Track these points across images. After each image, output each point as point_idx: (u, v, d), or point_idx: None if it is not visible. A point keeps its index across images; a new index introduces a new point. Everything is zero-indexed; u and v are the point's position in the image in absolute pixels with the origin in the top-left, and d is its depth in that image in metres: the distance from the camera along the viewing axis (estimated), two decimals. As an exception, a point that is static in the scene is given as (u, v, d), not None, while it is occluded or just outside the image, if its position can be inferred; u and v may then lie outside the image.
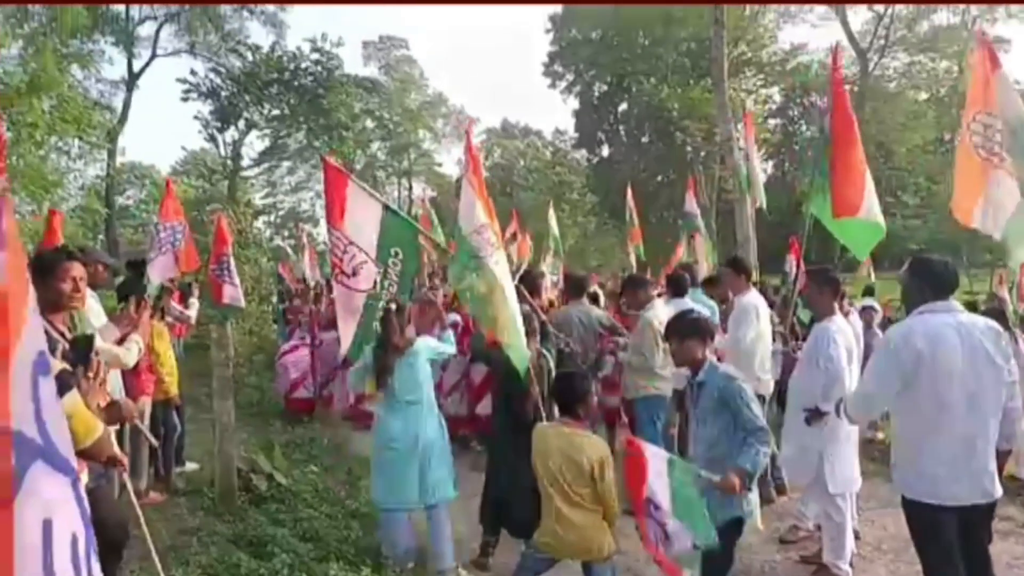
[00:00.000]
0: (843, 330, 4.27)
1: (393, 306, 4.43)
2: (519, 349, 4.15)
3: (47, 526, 0.74)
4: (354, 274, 4.11)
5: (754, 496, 3.48)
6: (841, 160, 4.58)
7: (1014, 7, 28.57)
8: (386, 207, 4.27)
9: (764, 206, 10.48)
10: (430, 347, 4.55)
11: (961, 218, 4.15)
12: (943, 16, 32.73)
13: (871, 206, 4.61)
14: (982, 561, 3.21)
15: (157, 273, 6.46)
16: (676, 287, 6.21)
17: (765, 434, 3.31)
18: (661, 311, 5.62)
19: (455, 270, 4.36)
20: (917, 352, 3.12)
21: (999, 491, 3.18)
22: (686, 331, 3.52)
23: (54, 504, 0.75)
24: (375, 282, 4.15)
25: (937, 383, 3.10)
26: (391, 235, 4.19)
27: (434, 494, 4.33)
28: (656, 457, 3.22)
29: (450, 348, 4.79)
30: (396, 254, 4.19)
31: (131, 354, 4.30)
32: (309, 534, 4.72)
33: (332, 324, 6.38)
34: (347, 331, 4.20)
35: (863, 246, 4.94)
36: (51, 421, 0.77)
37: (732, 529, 3.35)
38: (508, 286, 4.19)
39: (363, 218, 4.14)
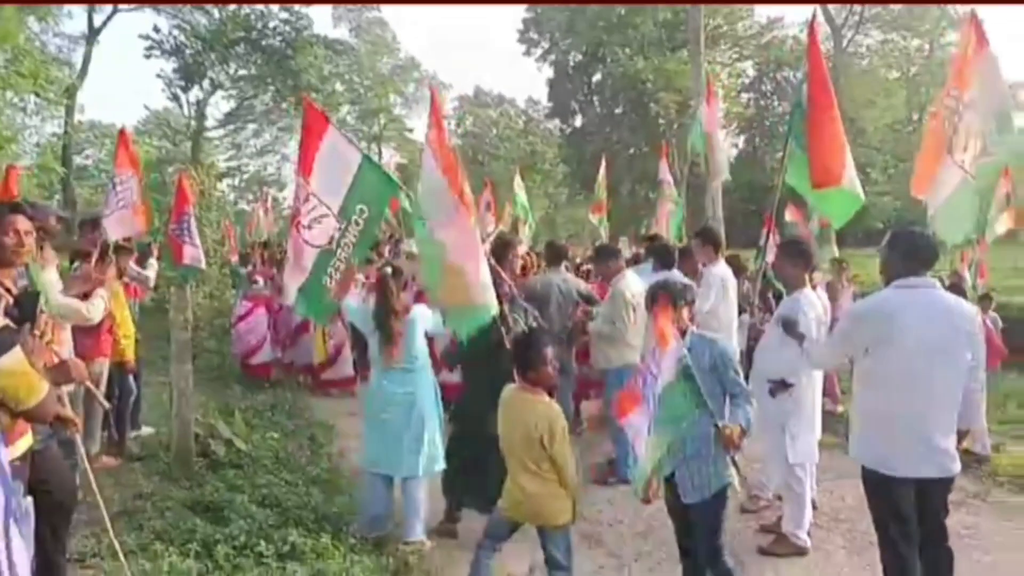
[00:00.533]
0: (813, 303, 4.27)
1: (389, 270, 4.39)
2: (476, 310, 3.85)
3: None
4: (310, 227, 3.99)
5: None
6: (820, 130, 4.50)
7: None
8: (366, 157, 4.11)
9: (728, 177, 10.38)
10: (428, 318, 4.46)
11: (913, 188, 4.18)
12: (917, -6, 32.92)
13: (852, 176, 4.60)
14: (938, 532, 3.25)
15: (115, 229, 6.14)
16: (664, 259, 5.94)
17: (750, 395, 3.37)
18: (632, 281, 5.58)
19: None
20: (888, 324, 3.14)
21: (957, 467, 3.21)
22: (678, 297, 3.43)
23: None
24: (331, 238, 4.01)
25: (904, 357, 3.11)
26: (363, 189, 4.01)
27: (427, 465, 4.32)
28: (676, 353, 3.09)
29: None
30: (362, 212, 4.02)
31: (96, 309, 4.18)
32: (268, 500, 4.64)
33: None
34: (293, 283, 4.09)
35: (841, 216, 4.93)
36: None
37: (724, 495, 3.34)
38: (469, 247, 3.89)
39: (336, 168, 3.99)
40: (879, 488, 3.24)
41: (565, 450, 3.31)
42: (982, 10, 4.33)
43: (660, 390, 3.05)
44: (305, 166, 3.97)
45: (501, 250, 5.44)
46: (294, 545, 3.95)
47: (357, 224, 4.02)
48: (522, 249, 9.24)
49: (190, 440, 5.20)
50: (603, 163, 12.93)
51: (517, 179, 13.02)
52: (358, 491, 4.67)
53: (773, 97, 38.11)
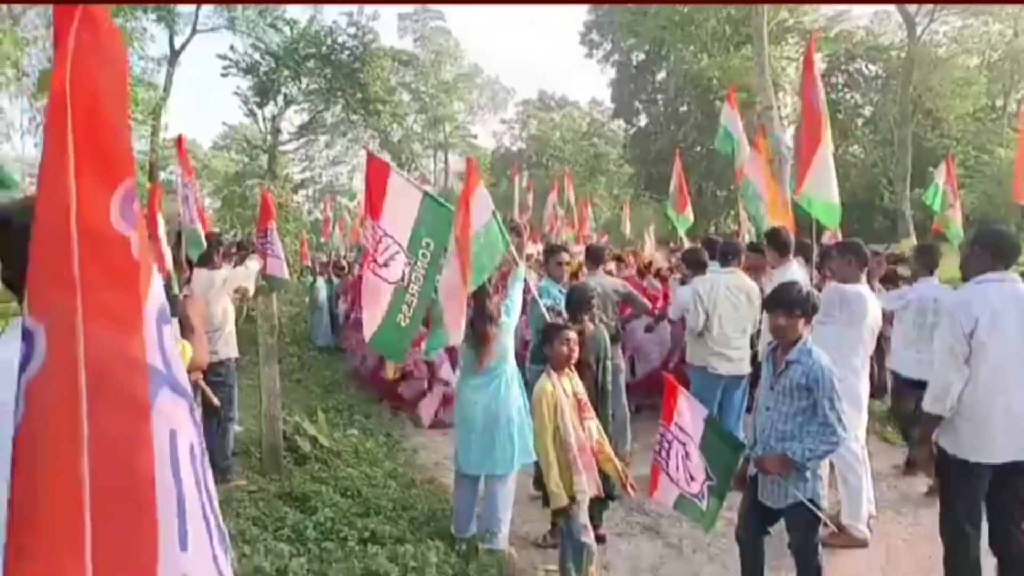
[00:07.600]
0: (863, 295, 4.37)
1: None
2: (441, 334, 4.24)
3: (172, 435, 0.99)
4: (386, 265, 4.10)
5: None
6: (803, 141, 5.25)
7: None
8: (427, 194, 4.24)
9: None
10: (517, 311, 4.52)
11: (1015, 194, 4.29)
12: (997, -23, 31.45)
13: (814, 186, 5.24)
14: (1014, 513, 3.30)
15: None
16: (696, 264, 6.23)
17: (834, 437, 3.12)
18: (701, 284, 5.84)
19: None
20: (974, 319, 3.21)
21: None
22: (795, 304, 3.26)
23: (177, 420, 1.00)
24: (403, 274, 4.13)
25: (990, 349, 3.20)
26: (426, 224, 4.16)
27: (520, 456, 4.29)
28: (691, 410, 3.49)
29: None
30: (427, 245, 4.15)
31: (253, 265, 6.21)
32: (350, 491, 5.02)
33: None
34: (371, 318, 4.14)
35: (825, 219, 5.46)
36: (172, 359, 1.02)
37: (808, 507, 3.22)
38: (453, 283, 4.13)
39: (402, 207, 4.13)
40: (960, 470, 3.31)
41: (539, 425, 3.62)
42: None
43: (699, 447, 3.41)
44: (374, 210, 4.12)
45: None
46: (374, 531, 4.30)
47: (424, 257, 4.15)
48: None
49: (279, 437, 5.61)
50: (677, 159, 12.28)
51: (567, 184, 13.37)
52: (452, 494, 4.70)
53: (844, 90, 36.99)
